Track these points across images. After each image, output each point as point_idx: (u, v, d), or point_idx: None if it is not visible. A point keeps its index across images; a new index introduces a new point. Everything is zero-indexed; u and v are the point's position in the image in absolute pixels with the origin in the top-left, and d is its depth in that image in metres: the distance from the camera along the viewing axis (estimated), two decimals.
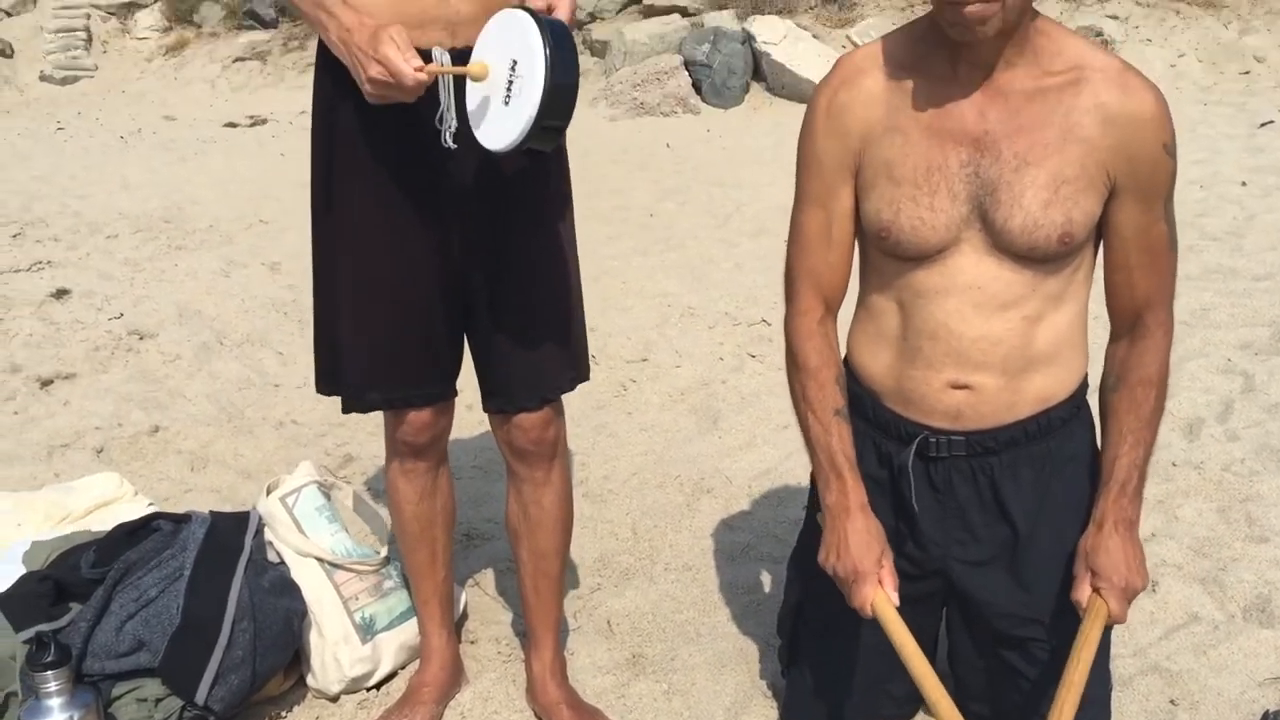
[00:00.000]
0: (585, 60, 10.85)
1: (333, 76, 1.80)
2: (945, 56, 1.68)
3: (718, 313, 4.48)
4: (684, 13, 11.11)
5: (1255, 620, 2.33)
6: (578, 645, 2.37)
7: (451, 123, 1.74)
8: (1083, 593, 1.67)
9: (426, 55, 1.71)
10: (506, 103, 1.61)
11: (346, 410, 2.05)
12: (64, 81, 13.11)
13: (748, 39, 10.23)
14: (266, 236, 6.11)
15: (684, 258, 5.33)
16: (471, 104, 1.70)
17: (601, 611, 2.49)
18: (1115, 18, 10.04)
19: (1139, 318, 1.75)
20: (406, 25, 1.70)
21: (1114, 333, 1.80)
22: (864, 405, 1.86)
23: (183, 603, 1.97)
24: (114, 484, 2.79)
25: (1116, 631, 2.14)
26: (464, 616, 2.45)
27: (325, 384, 2.01)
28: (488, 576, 2.65)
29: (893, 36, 1.78)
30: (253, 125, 10.75)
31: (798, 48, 10.18)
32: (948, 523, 1.83)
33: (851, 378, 1.89)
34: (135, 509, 2.71)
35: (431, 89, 1.70)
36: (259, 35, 13.02)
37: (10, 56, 13.39)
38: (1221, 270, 4.63)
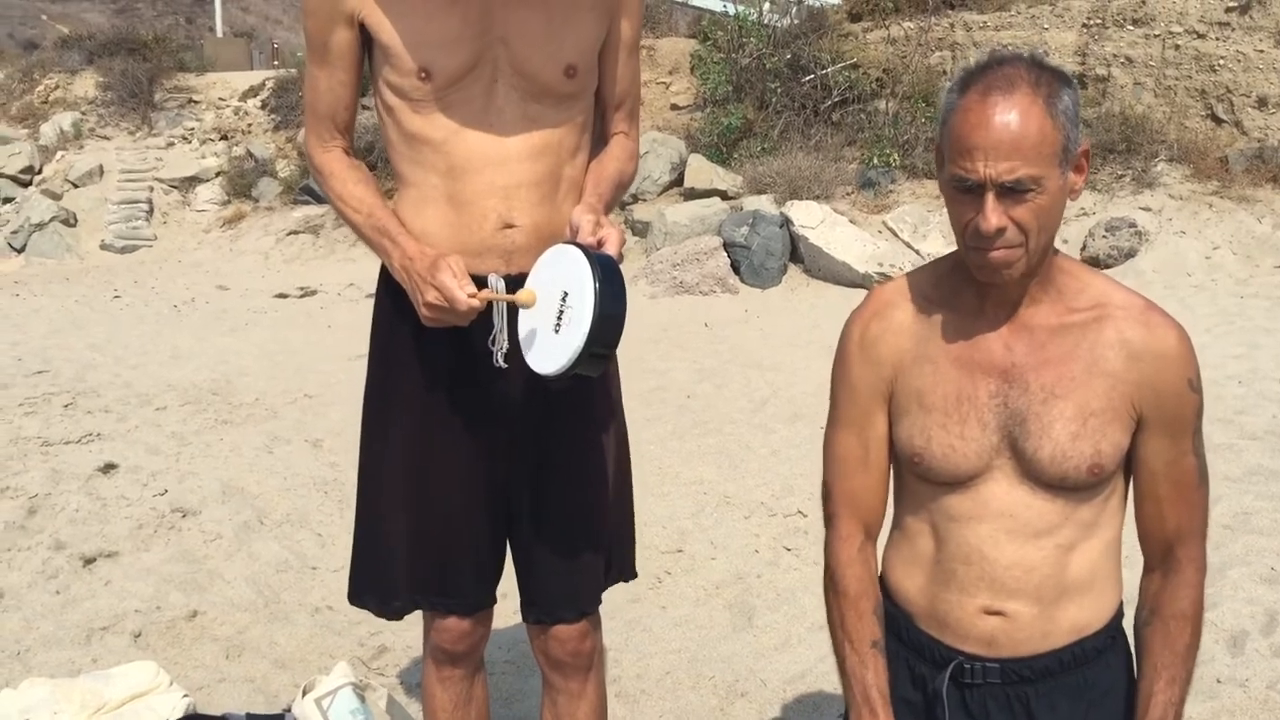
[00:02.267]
0: (627, 239, 11.16)
1: (393, 299, 1.90)
2: (973, 292, 1.75)
3: (754, 502, 4.49)
4: (724, 196, 11.46)
5: None
6: None
7: (504, 345, 1.82)
8: None
9: (483, 282, 1.81)
10: (556, 330, 1.69)
11: (380, 615, 2.07)
12: (123, 250, 13.62)
13: (785, 222, 10.52)
14: (311, 411, 6.24)
15: (721, 443, 5.38)
16: (523, 330, 1.78)
17: None
18: (1149, 209, 10.24)
19: (1170, 551, 1.77)
20: (465, 254, 1.80)
21: (1146, 564, 1.81)
22: (898, 625, 1.87)
23: None
24: (150, 674, 2.80)
25: None
26: None
27: (361, 595, 2.04)
28: None
29: (920, 272, 1.86)
30: (303, 296, 11.08)
31: (835, 232, 10.44)
32: None
33: (886, 597, 1.90)
34: (170, 700, 2.72)
35: (485, 313, 1.79)
36: (313, 209, 13.52)
37: (74, 225, 13.97)
38: (1263, 472, 4.61)
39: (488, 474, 1.94)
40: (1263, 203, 10.20)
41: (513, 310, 1.83)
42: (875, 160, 11.43)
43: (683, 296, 9.97)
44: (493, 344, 1.83)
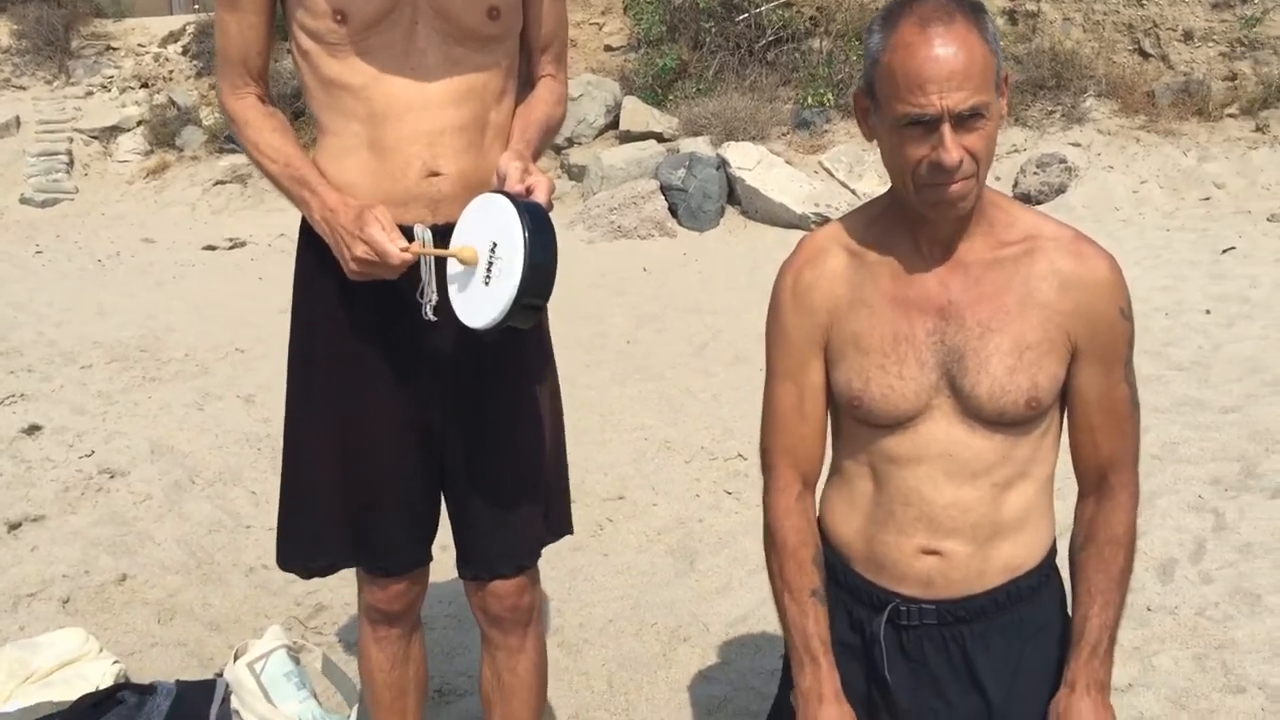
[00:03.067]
0: (563, 184, 11.05)
1: (315, 251, 1.84)
2: (905, 232, 1.73)
3: (695, 447, 4.49)
4: (660, 138, 11.37)
5: None
6: None
7: (433, 297, 1.77)
8: None
9: (408, 232, 1.75)
10: (486, 283, 1.65)
11: (308, 577, 2.03)
12: (44, 204, 13.22)
13: (722, 164, 10.46)
14: (242, 366, 6.12)
15: (661, 388, 5.36)
16: (451, 282, 1.73)
17: None
18: (1078, 145, 10.33)
19: (1104, 478, 1.78)
20: (389, 203, 1.74)
21: (1081, 492, 1.82)
22: (835, 570, 1.86)
23: None
24: (79, 640, 2.74)
25: None
26: None
27: (291, 559, 2.00)
28: None
29: (849, 217, 1.83)
30: (231, 248, 10.85)
31: (771, 173, 10.40)
32: (921, 692, 1.81)
33: (824, 541, 1.89)
34: (100, 667, 2.67)
35: (412, 265, 1.74)
36: (239, 159, 13.17)
37: None
38: (1189, 402, 4.69)
39: (419, 428, 1.89)
40: (1188, 136, 10.33)
41: (440, 263, 1.78)
42: (810, 100, 11.39)
43: (620, 241, 9.90)
44: (421, 297, 1.77)
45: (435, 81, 1.77)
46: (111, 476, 4.30)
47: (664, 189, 10.38)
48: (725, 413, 4.92)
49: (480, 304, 1.65)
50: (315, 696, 2.28)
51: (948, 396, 1.71)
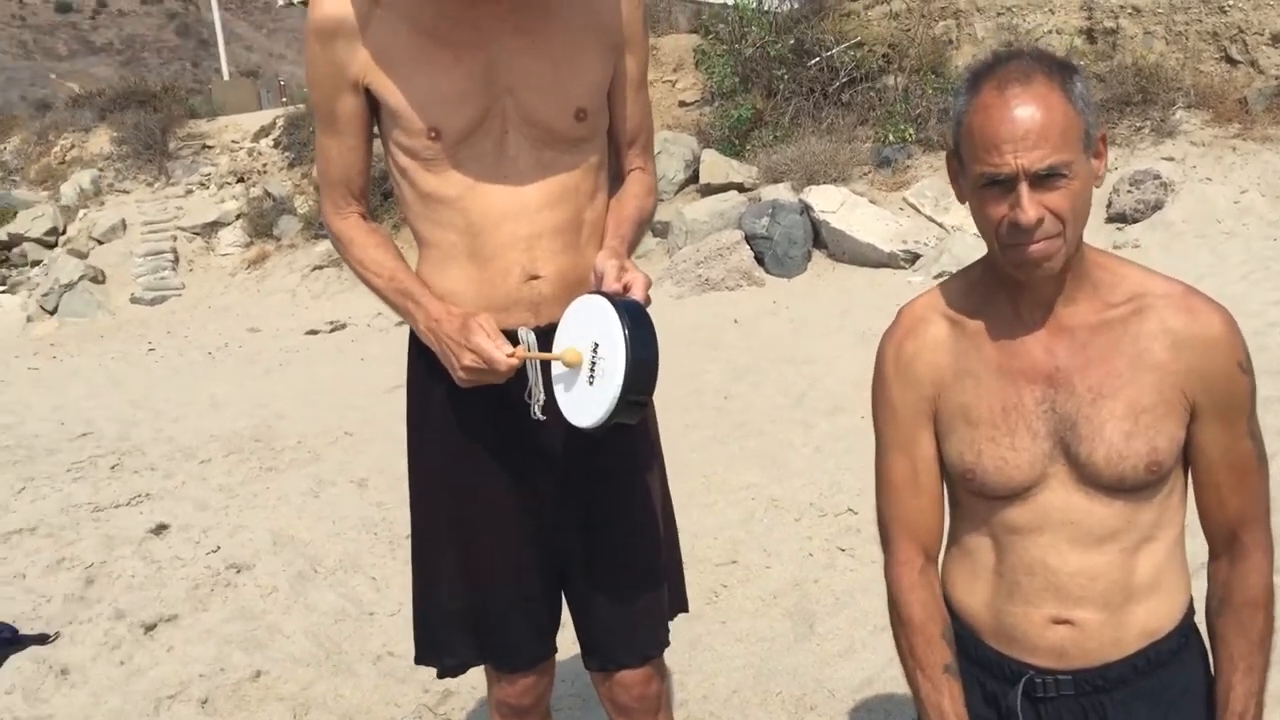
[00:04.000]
0: (647, 241, 11.14)
1: (425, 360, 1.89)
2: (1006, 298, 1.72)
3: (803, 504, 4.46)
4: (740, 189, 11.43)
5: None
6: None
7: (540, 397, 1.81)
8: None
9: (512, 335, 1.80)
10: (591, 383, 1.68)
11: (442, 676, 2.06)
12: (153, 302, 13.75)
13: (805, 209, 10.46)
14: (352, 450, 6.26)
15: (763, 444, 5.35)
16: (557, 384, 1.77)
17: None
18: (1171, 159, 10.10)
19: (1235, 537, 1.73)
20: (491, 309, 1.79)
21: (1212, 552, 1.77)
22: (965, 643, 1.84)
23: None
24: None
25: None
26: None
27: (427, 655, 2.04)
28: None
29: (947, 285, 1.83)
30: (333, 331, 11.15)
31: (856, 213, 10.38)
32: None
33: (950, 614, 1.87)
34: None
35: (519, 367, 1.78)
36: None
37: (103, 282, 14.12)
38: None
39: (535, 526, 1.93)
40: None
41: (545, 363, 1.82)
42: (890, 137, 11.35)
43: (709, 294, 9.94)
44: (529, 398, 1.82)
45: (529, 185, 1.82)
46: (238, 571, 4.43)
47: (749, 238, 10.42)
48: (830, 465, 4.88)
49: (586, 404, 1.69)
50: None
51: (1063, 465, 1.69)
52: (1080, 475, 1.68)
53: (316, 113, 1.90)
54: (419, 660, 2.07)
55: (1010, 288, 1.70)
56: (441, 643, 2.00)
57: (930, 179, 10.84)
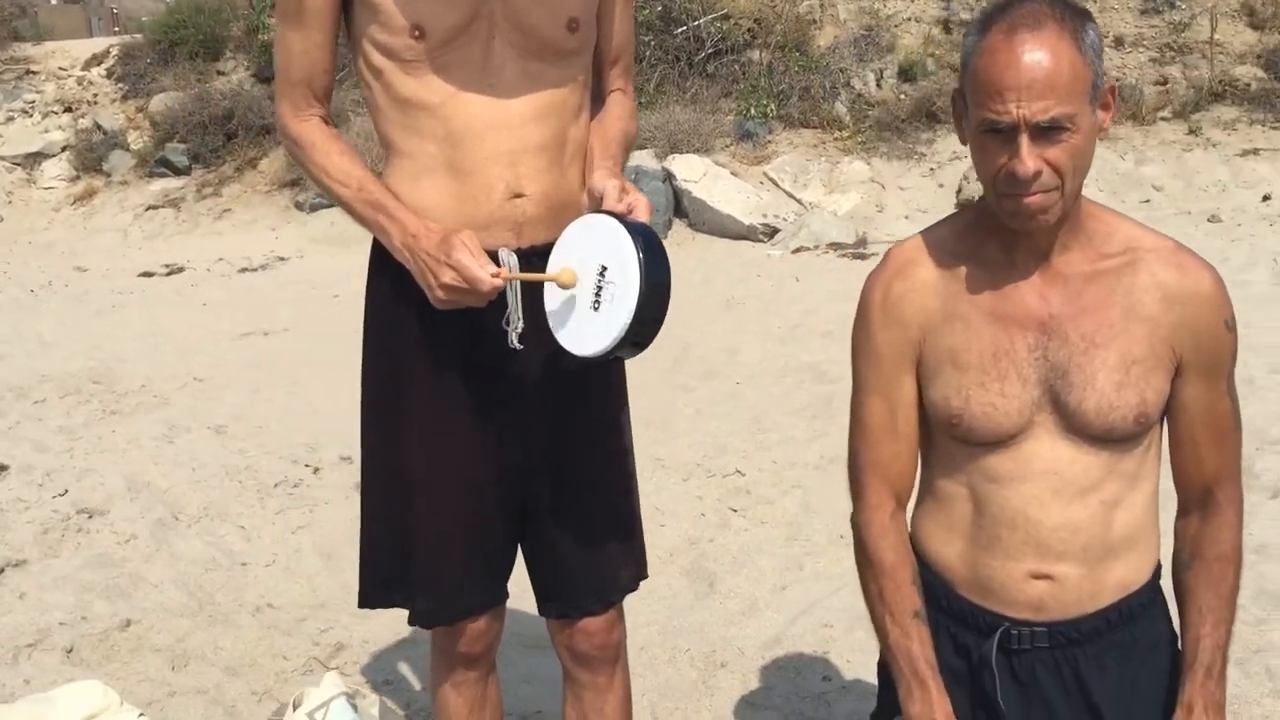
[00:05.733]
0: None
1: (391, 280, 1.76)
2: (999, 244, 1.70)
3: (690, 464, 4.44)
4: None
5: None
6: None
7: (519, 324, 1.70)
8: None
9: (491, 256, 1.68)
10: (595, 308, 1.58)
11: (417, 623, 1.92)
12: None
13: (668, 177, 10.45)
14: (204, 396, 5.94)
15: (643, 405, 5.25)
16: (552, 307, 1.66)
17: None
18: None
19: (1209, 494, 1.76)
20: (471, 226, 1.68)
21: (1182, 508, 1.80)
22: (936, 594, 1.82)
23: None
24: (98, 694, 2.59)
25: None
26: None
27: (375, 598, 1.90)
28: None
29: (936, 228, 1.80)
30: (169, 274, 10.56)
31: (717, 185, 10.42)
32: (1033, 717, 1.78)
33: (921, 564, 1.85)
34: None
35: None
36: (172, 182, 12.88)
37: None
38: None
39: (501, 465, 1.81)
40: (1124, 140, 10.53)
41: (528, 286, 1.71)
42: (752, 111, 11.43)
43: None
44: (507, 324, 1.70)
45: (514, 98, 1.70)
46: (90, 517, 4.12)
47: None
48: (713, 427, 4.87)
49: (591, 331, 1.59)
50: None
51: (1050, 413, 1.68)
52: (1068, 424, 1.67)
53: (280, 3, 1.73)
54: (363, 603, 1.93)
55: (1005, 233, 1.67)
56: (400, 585, 1.86)
57: (790, 155, 10.98)
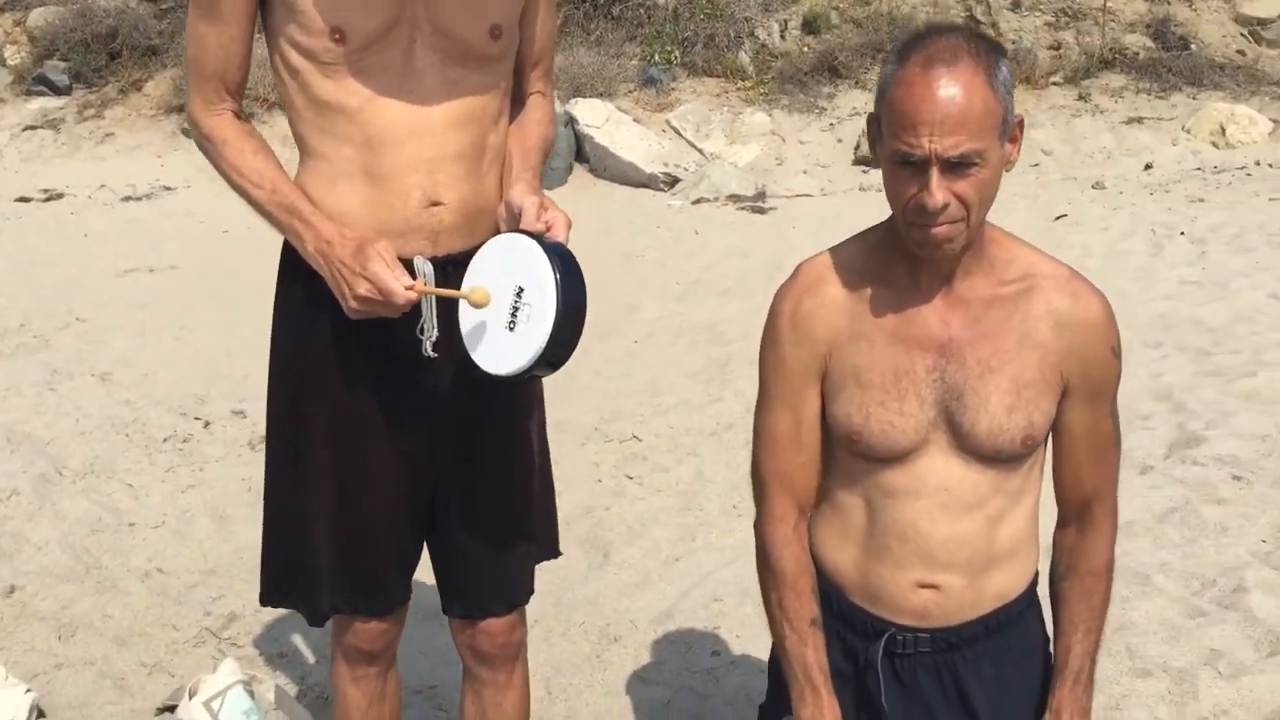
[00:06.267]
0: None
1: (303, 286, 1.74)
2: (905, 267, 1.76)
3: (587, 428, 4.48)
4: None
5: None
6: None
7: (433, 334, 1.70)
8: None
9: (407, 264, 1.68)
10: (511, 329, 1.60)
11: (315, 624, 1.93)
12: None
13: (570, 121, 10.37)
14: (88, 339, 5.76)
15: None
16: (467, 326, 1.67)
17: None
18: None
19: (1087, 508, 1.86)
20: (386, 234, 1.67)
21: (1061, 520, 1.90)
22: (829, 598, 1.90)
23: None
24: None
25: None
26: None
27: (278, 596, 1.91)
28: None
29: (847, 246, 1.85)
30: (48, 200, 10.15)
31: (620, 131, 10.37)
32: (913, 717, 1.87)
33: (816, 568, 1.92)
34: (12, 697, 2.51)
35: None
36: (51, 102, 12.32)
37: None
38: None
39: (412, 471, 1.83)
40: (1017, 103, 10.71)
41: (443, 299, 1.71)
42: (656, 57, 11.37)
43: None
44: (421, 333, 1.70)
45: (435, 105, 1.69)
46: None
47: None
48: (610, 389, 4.91)
49: (505, 351, 1.60)
50: None
51: (944, 432, 1.76)
52: (960, 444, 1.75)
53: None
54: (265, 602, 1.93)
55: (910, 257, 1.73)
56: (305, 586, 1.87)
57: (693, 103, 10.97)
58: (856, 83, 11.13)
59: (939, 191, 1.58)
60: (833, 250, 1.85)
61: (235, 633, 3.06)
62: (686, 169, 10.09)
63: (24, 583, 3.27)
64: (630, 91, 11.23)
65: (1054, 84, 11.08)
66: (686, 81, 11.43)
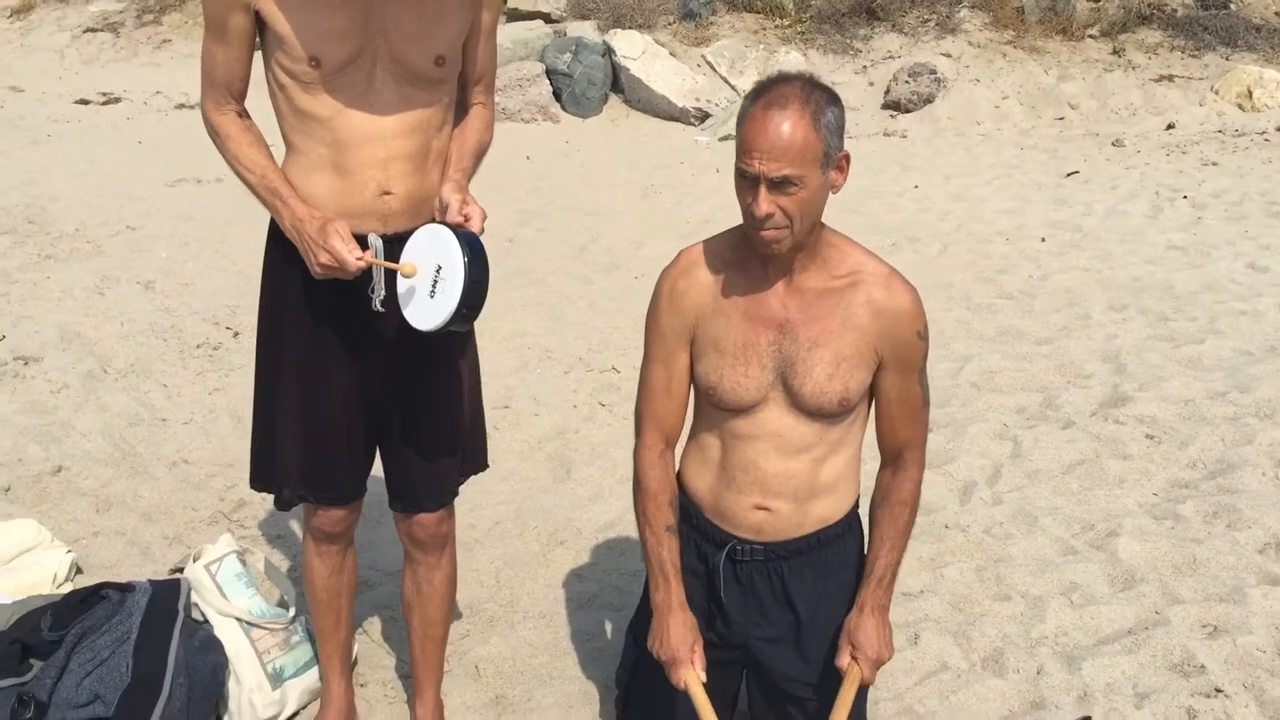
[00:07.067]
0: None
1: (283, 249, 2.24)
2: (758, 260, 2.22)
3: (573, 357, 4.96)
4: (547, 19, 11.49)
5: (990, 670, 2.96)
6: (451, 688, 2.84)
7: (381, 293, 2.19)
8: (844, 661, 2.27)
9: (362, 239, 2.16)
10: (432, 296, 2.07)
11: (280, 508, 2.46)
12: None
13: (608, 51, 10.70)
14: (136, 247, 6.29)
15: (542, 295, 5.77)
16: (402, 290, 2.15)
17: (470, 657, 2.98)
18: (949, 55, 10.85)
19: (900, 455, 2.33)
20: (348, 216, 2.15)
21: (882, 463, 2.38)
22: (689, 514, 2.40)
23: (131, 662, 2.39)
24: (33, 531, 3.13)
25: (882, 677, 2.76)
26: (354, 662, 2.90)
27: (260, 483, 2.43)
28: (375, 624, 3.10)
29: (719, 239, 2.31)
30: (106, 104, 10.68)
31: (655, 64, 10.69)
32: (748, 609, 2.38)
33: (681, 491, 2.41)
34: (56, 556, 3.07)
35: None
36: (111, 5, 12.83)
37: None
38: (1011, 332, 5.30)
39: (364, 394, 2.33)
40: (1050, 54, 10.92)
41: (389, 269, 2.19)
42: None
43: (504, 123, 10.08)
44: (371, 293, 2.19)
45: (389, 116, 2.16)
46: (25, 363, 4.58)
47: (549, 73, 10.59)
48: (601, 323, 5.38)
49: (426, 312, 2.08)
50: (260, 593, 2.74)
51: (780, 391, 2.23)
52: (792, 401, 2.22)
53: (208, 21, 2.15)
54: (254, 486, 2.45)
55: (760, 253, 2.19)
56: (279, 476, 2.38)
57: (730, 39, 11.23)
58: (894, 26, 11.32)
59: (764, 203, 2.04)
60: (706, 241, 2.31)
61: (243, 516, 3.61)
62: (718, 105, 10.41)
63: (69, 464, 3.84)
64: (669, 24, 11.50)
65: (1090, 37, 11.19)
66: (725, 16, 11.67)
